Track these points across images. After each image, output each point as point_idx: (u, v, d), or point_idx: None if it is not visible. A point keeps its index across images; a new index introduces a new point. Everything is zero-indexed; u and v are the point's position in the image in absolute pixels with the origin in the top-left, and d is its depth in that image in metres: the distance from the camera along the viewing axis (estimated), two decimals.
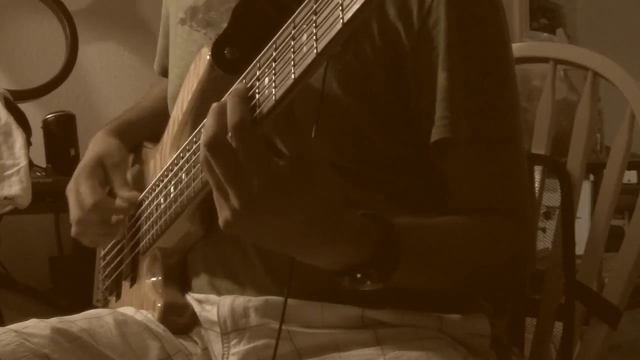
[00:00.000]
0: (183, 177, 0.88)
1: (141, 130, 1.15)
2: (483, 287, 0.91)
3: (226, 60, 0.84)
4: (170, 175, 0.92)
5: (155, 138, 1.06)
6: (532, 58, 1.25)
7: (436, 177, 0.88)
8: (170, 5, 1.08)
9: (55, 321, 0.89)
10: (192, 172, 0.85)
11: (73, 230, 1.04)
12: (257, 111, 0.69)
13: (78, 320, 0.91)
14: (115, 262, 1.11)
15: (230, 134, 0.68)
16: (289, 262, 0.75)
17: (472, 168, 0.87)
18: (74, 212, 1.04)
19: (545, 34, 3.51)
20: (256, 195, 0.67)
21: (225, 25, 0.88)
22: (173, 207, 0.90)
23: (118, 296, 1.10)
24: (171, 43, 1.07)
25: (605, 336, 1.06)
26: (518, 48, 1.24)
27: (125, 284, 1.07)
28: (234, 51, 0.84)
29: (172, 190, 0.91)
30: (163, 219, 0.93)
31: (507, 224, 0.86)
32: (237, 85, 0.72)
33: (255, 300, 0.88)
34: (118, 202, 1.02)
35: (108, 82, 2.43)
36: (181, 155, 0.89)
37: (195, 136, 0.86)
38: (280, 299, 0.83)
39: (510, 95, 0.89)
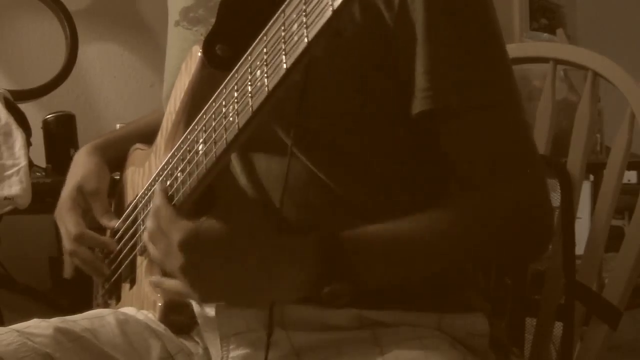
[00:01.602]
0: (179, 175, 0.87)
1: (127, 144, 1.16)
2: (507, 252, 0.90)
3: (218, 58, 0.84)
4: (165, 174, 0.92)
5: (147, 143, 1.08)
6: (532, 58, 1.25)
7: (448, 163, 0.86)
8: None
9: (57, 321, 0.89)
10: (188, 169, 0.85)
11: (66, 260, 1.11)
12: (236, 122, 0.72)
13: (80, 320, 0.91)
14: (114, 265, 1.10)
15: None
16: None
17: (467, 138, 0.84)
18: (65, 244, 1.09)
19: (545, 34, 3.50)
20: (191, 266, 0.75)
21: (213, 20, 0.88)
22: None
23: (118, 299, 1.10)
24: (167, 45, 1.07)
25: (605, 336, 1.06)
26: (518, 48, 1.24)
27: (125, 286, 1.07)
28: (225, 48, 0.84)
29: (167, 189, 0.90)
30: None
31: (517, 185, 0.84)
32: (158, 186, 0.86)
33: None
34: (102, 238, 1.09)
35: (108, 82, 2.43)
36: (175, 153, 0.89)
37: (189, 134, 0.86)
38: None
39: (498, 60, 0.86)
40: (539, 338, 1.13)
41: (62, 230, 1.10)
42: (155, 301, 0.96)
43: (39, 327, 0.87)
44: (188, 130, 0.86)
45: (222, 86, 0.78)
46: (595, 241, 1.11)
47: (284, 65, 0.65)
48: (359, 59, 0.85)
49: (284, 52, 0.65)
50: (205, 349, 0.93)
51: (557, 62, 1.20)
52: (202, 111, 0.83)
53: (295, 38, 0.63)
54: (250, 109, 0.70)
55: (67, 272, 1.12)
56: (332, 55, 0.82)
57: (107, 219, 1.08)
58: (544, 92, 1.20)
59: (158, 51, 1.14)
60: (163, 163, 0.92)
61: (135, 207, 1.02)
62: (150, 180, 0.97)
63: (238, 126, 0.73)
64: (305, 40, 0.62)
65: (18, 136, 1.73)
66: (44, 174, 1.87)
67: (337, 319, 0.85)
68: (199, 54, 0.88)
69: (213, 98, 0.80)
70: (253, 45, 0.71)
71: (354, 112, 0.86)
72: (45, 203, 1.73)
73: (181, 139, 0.88)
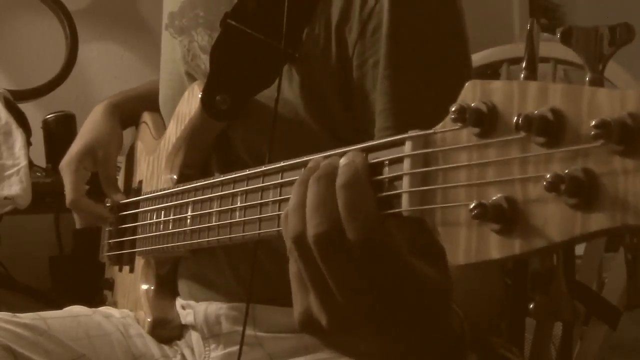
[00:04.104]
0: (170, 222, 0.89)
1: (143, 104, 1.17)
2: None
3: (218, 109, 0.85)
4: (180, 205, 0.89)
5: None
6: None
7: None
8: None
9: (30, 316, 0.93)
10: (177, 229, 0.87)
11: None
12: None
13: (49, 319, 0.93)
14: (116, 241, 1.12)
15: (350, 224, 0.52)
16: (255, 271, 0.78)
17: None
18: (66, 197, 1.09)
19: (545, 34, 3.50)
20: (369, 310, 0.54)
21: (194, 32, 0.92)
22: (177, 241, 0.89)
23: (120, 269, 1.13)
24: (161, 48, 1.08)
25: (605, 336, 1.06)
26: (518, 48, 1.24)
27: (125, 268, 1.10)
28: (225, 98, 0.85)
29: (179, 224, 0.89)
30: (163, 245, 0.93)
31: None
32: (353, 156, 0.55)
33: (225, 308, 0.90)
34: (96, 209, 1.09)
35: (108, 82, 2.43)
36: (168, 200, 0.90)
37: (182, 194, 0.86)
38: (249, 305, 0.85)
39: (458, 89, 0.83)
40: (539, 338, 1.13)
41: (65, 184, 1.10)
42: (145, 314, 0.99)
43: (8, 322, 0.89)
44: (182, 188, 0.86)
45: (212, 183, 0.78)
46: (595, 241, 1.11)
47: (258, 230, 0.66)
48: (325, 90, 0.83)
49: (258, 221, 0.66)
50: (182, 354, 0.96)
51: (557, 62, 1.20)
52: (193, 185, 0.83)
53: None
54: (229, 239, 0.73)
55: (78, 223, 1.13)
56: (304, 86, 0.83)
57: (113, 192, 1.09)
58: None
59: (158, 51, 1.14)
60: (179, 189, 0.90)
61: (137, 205, 1.03)
62: (157, 193, 0.96)
63: (217, 241, 0.77)
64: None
65: (18, 136, 1.73)
66: (44, 174, 1.86)
67: None
68: (199, 94, 0.88)
69: (203, 184, 0.80)
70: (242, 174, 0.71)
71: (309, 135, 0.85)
72: (45, 203, 1.73)
73: (175, 188, 0.89)
